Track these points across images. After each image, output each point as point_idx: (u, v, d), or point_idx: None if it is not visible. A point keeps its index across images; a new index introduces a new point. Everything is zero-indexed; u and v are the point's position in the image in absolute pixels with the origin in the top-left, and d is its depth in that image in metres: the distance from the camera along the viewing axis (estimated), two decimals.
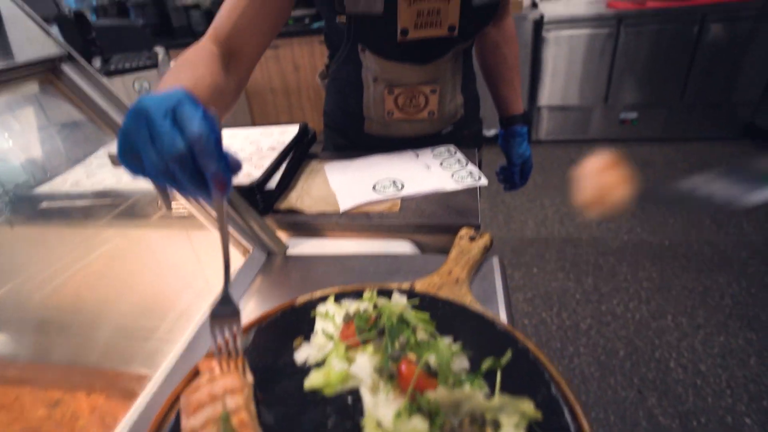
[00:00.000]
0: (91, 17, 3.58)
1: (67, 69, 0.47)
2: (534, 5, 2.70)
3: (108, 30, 1.55)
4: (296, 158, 0.72)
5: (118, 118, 0.47)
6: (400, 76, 0.66)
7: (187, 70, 0.46)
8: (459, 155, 0.71)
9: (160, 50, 1.64)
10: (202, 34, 2.27)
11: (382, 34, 0.61)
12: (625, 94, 2.57)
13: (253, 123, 3.26)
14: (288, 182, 0.68)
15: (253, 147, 0.75)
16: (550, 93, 2.65)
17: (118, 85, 1.20)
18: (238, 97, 0.57)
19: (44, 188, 0.69)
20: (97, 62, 1.23)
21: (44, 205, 0.66)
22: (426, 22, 0.60)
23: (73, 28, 1.23)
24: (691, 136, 2.65)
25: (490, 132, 2.78)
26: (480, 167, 0.90)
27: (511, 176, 0.91)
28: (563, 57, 2.52)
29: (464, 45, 0.68)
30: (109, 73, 1.19)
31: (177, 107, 0.30)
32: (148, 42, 1.61)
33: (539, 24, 2.48)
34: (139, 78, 1.19)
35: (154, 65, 1.21)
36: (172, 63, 1.94)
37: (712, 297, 1.53)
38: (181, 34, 3.35)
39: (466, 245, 0.49)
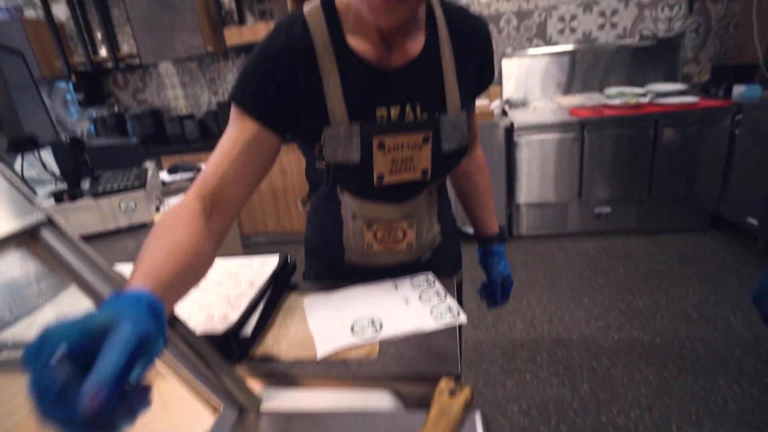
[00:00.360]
0: (90, 127, 3.78)
1: (47, 234, 0.47)
2: (504, 113, 2.95)
3: (102, 149, 1.62)
4: (276, 293, 0.72)
5: (98, 284, 0.46)
6: (378, 214, 0.69)
7: (164, 237, 0.47)
8: (438, 286, 0.71)
9: (150, 165, 1.70)
10: (194, 142, 2.41)
11: (360, 179, 0.64)
12: (597, 190, 2.72)
13: (240, 227, 3.31)
14: (265, 322, 0.66)
15: (232, 280, 0.74)
16: (526, 191, 2.79)
17: (105, 206, 1.22)
18: (219, 246, 0.57)
19: (6, 334, 0.66)
20: (86, 184, 1.27)
21: (3, 356, 0.62)
22: (400, 168, 0.64)
23: (68, 153, 1.27)
24: (664, 228, 2.76)
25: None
26: (460, 289, 0.90)
27: (493, 294, 0.91)
28: (535, 159, 2.70)
29: (438, 183, 0.73)
30: (97, 195, 1.21)
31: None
32: (141, 157, 1.69)
33: (510, 130, 2.69)
34: (125, 198, 1.22)
35: (142, 185, 1.24)
36: (163, 174, 1.99)
37: (715, 402, 1.46)
38: (174, 142, 3.53)
39: (447, 402, 0.47)
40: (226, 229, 0.59)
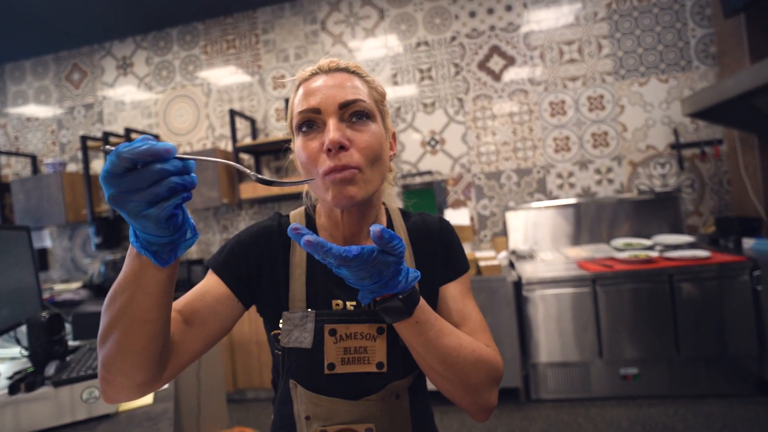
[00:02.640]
0: (101, 269, 3.84)
1: None
2: (511, 265, 2.91)
3: (87, 316, 1.56)
4: None
5: None
6: (332, 413, 0.62)
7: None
8: None
9: None
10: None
11: (311, 367, 0.63)
12: (620, 348, 2.50)
13: (234, 376, 3.07)
14: None
15: None
16: (542, 350, 2.58)
17: (65, 395, 1.11)
18: (163, 376, 0.57)
19: None
20: (52, 368, 1.17)
21: None
22: (353, 358, 0.62)
23: (41, 332, 1.21)
24: (703, 393, 2.44)
25: None
26: None
27: None
28: (550, 314, 2.56)
29: (402, 382, 0.65)
30: (58, 383, 1.10)
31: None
32: None
33: (518, 284, 2.61)
34: (89, 387, 1.10)
35: None
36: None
37: None
38: (180, 287, 3.51)
39: None
40: (173, 372, 0.59)
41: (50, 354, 1.21)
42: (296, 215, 0.73)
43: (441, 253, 0.73)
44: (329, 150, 0.56)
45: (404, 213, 0.76)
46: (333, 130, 0.56)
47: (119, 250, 3.98)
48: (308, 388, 0.63)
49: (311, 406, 0.63)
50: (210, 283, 0.64)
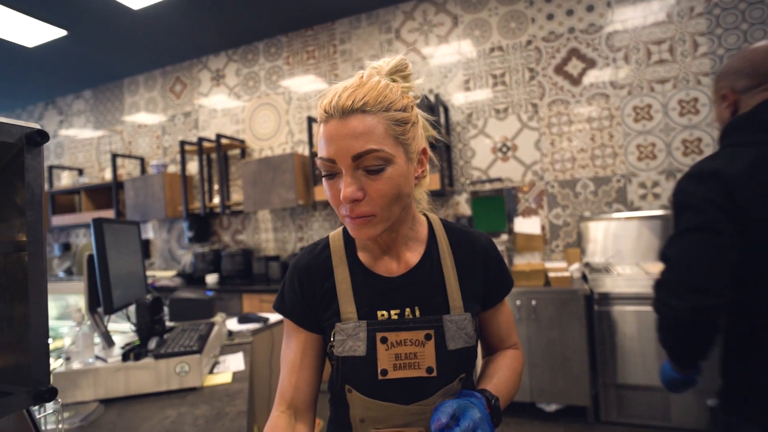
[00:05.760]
0: (192, 260, 4.28)
1: None
2: (584, 278, 2.77)
3: (182, 302, 1.77)
4: None
5: None
6: (385, 417, 0.67)
7: None
8: None
9: (219, 318, 1.80)
10: (276, 281, 2.59)
11: (365, 373, 0.67)
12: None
13: None
14: None
15: None
16: (617, 369, 2.42)
17: (162, 367, 1.29)
18: None
19: None
20: (153, 343, 1.35)
21: None
22: (404, 363, 0.66)
23: (146, 312, 1.40)
24: None
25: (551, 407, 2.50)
26: None
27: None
28: (624, 332, 2.40)
29: (452, 386, 0.69)
30: (158, 356, 1.28)
31: None
32: (211, 311, 1.80)
33: (590, 298, 2.48)
34: (181, 362, 1.26)
35: (199, 350, 1.30)
36: (232, 323, 2.08)
37: None
38: (258, 280, 3.81)
39: None
40: (311, 427, 0.72)
41: (152, 331, 1.41)
42: (335, 237, 0.76)
43: (492, 270, 0.76)
44: (345, 202, 0.61)
45: (447, 224, 0.79)
46: (345, 187, 0.60)
47: (207, 243, 4.41)
48: (363, 393, 0.67)
49: (366, 410, 0.67)
50: (291, 339, 0.73)
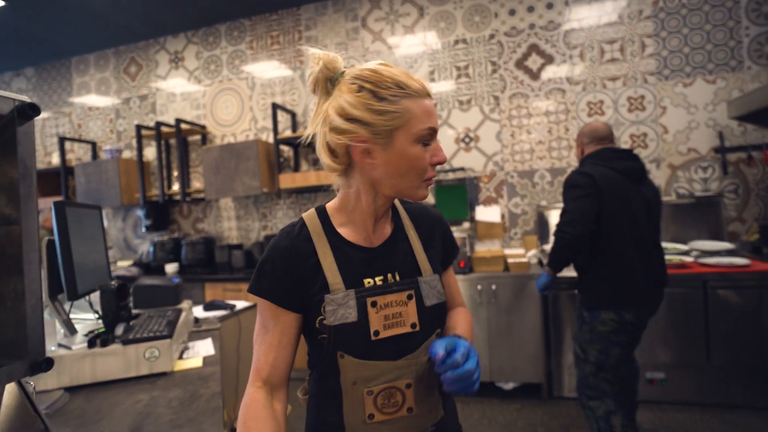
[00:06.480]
0: (150, 249, 4.13)
1: None
2: (540, 263, 2.93)
3: (146, 288, 1.74)
4: None
5: None
6: (376, 375, 0.73)
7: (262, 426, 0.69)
8: None
9: (186, 304, 1.78)
10: (239, 270, 2.60)
11: (358, 336, 0.73)
12: (649, 352, 2.48)
13: None
14: None
15: None
16: (566, 348, 2.60)
17: (131, 353, 1.27)
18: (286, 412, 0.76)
19: None
20: (120, 329, 1.33)
21: None
22: (392, 323, 0.74)
23: (112, 298, 1.37)
24: (733, 404, 2.40)
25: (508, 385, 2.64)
26: None
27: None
28: (574, 314, 2.57)
29: (431, 340, 0.77)
30: (126, 342, 1.26)
31: None
32: (178, 297, 1.78)
33: None
34: (151, 347, 1.26)
35: (169, 335, 1.29)
36: (198, 310, 2.06)
37: None
38: (221, 269, 3.74)
39: None
40: (285, 404, 0.76)
41: (118, 317, 1.38)
42: (311, 217, 0.80)
43: (446, 238, 0.89)
44: (434, 165, 0.74)
45: (401, 201, 0.89)
46: (441, 152, 0.74)
47: (166, 232, 4.27)
48: (356, 356, 0.72)
49: (358, 372, 0.73)
50: (267, 318, 0.75)
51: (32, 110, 0.45)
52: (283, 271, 0.74)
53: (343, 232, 0.78)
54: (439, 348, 0.67)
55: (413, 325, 0.75)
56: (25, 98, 0.45)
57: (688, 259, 2.58)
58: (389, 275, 0.77)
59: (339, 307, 0.72)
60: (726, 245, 2.69)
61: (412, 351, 0.75)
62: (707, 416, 2.34)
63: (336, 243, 0.77)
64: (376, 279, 0.76)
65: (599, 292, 1.85)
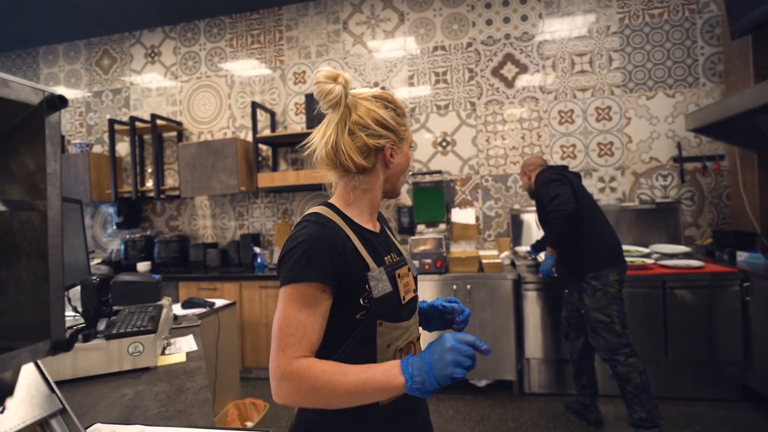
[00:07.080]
0: (121, 247, 4.02)
1: (55, 424, 0.51)
2: (513, 265, 3.05)
3: (126, 284, 1.72)
4: None
5: None
6: (400, 334, 0.88)
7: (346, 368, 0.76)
8: None
9: (166, 301, 1.78)
10: (214, 269, 2.60)
11: (395, 304, 0.87)
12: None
13: (243, 355, 3.24)
14: None
15: None
16: (534, 346, 2.72)
17: (114, 348, 1.27)
18: None
19: None
20: (102, 324, 1.33)
21: None
22: (408, 290, 0.93)
23: (93, 293, 1.36)
24: (688, 396, 2.57)
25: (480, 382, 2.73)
26: None
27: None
28: (543, 313, 2.69)
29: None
30: (109, 337, 1.26)
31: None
32: (158, 294, 1.77)
33: (518, 282, 2.75)
34: (134, 342, 1.26)
35: (153, 330, 1.29)
36: (176, 307, 2.05)
37: None
38: (195, 268, 3.69)
39: None
40: None
41: (100, 313, 1.37)
42: (326, 211, 0.87)
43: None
44: None
45: None
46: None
47: (138, 230, 4.16)
48: (391, 321, 0.86)
49: (390, 335, 0.86)
50: (317, 305, 0.77)
51: (60, 102, 0.47)
52: (332, 256, 0.79)
53: (360, 220, 0.91)
54: (445, 303, 0.99)
55: (416, 290, 0.97)
56: (53, 90, 0.47)
57: (649, 261, 2.75)
58: (393, 254, 0.94)
59: (378, 282, 0.84)
60: (683, 248, 2.88)
61: (415, 311, 0.95)
62: (665, 408, 2.49)
63: (357, 229, 0.88)
64: (392, 255, 0.93)
65: (597, 253, 2.21)
